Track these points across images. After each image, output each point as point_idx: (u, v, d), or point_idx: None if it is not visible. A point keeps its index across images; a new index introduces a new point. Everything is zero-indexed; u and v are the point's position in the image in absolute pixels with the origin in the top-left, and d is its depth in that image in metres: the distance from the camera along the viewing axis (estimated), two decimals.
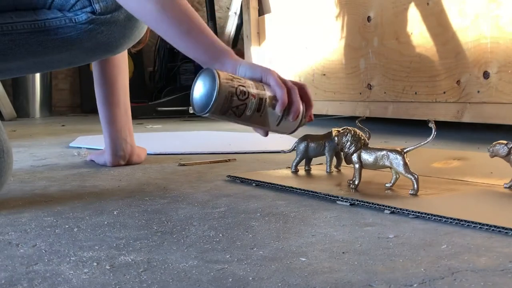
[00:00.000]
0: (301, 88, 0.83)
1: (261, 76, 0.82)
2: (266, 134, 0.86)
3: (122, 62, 1.16)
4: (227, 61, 0.83)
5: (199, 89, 0.78)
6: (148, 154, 1.38)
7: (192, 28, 0.83)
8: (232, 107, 0.77)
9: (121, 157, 1.18)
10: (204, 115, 0.78)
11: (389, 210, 0.72)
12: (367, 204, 0.75)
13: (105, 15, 0.90)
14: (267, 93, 0.80)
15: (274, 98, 0.80)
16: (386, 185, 0.84)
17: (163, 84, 3.61)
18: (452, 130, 1.89)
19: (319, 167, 1.04)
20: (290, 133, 0.86)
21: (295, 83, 0.83)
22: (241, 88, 0.78)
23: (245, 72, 0.82)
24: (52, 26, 0.90)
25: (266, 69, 0.83)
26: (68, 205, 0.81)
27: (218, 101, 0.76)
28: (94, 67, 1.16)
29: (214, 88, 0.75)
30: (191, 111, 3.28)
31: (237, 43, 3.74)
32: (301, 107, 0.82)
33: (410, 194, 0.79)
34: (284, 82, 0.82)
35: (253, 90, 0.79)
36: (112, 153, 1.17)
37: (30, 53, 0.91)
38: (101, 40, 0.93)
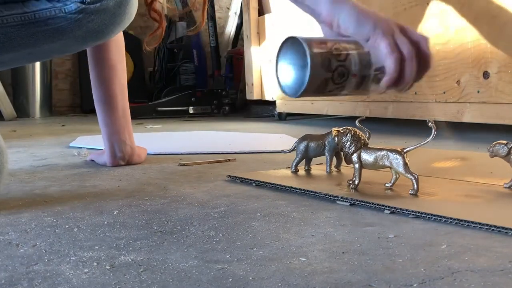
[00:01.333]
0: (419, 48, 0.68)
1: (369, 36, 0.67)
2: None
3: (118, 63, 1.16)
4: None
5: (286, 71, 0.66)
6: (148, 154, 1.38)
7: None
8: (326, 91, 0.66)
9: (121, 158, 1.18)
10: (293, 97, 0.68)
11: (389, 210, 0.72)
12: (367, 204, 0.75)
13: (94, 4, 0.89)
14: (372, 66, 0.66)
15: (381, 70, 0.66)
16: (386, 185, 0.84)
17: (163, 84, 3.61)
18: (452, 130, 1.89)
19: (319, 167, 1.04)
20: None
21: (414, 42, 0.67)
22: (340, 68, 0.64)
23: (347, 26, 0.67)
24: (42, 17, 0.88)
25: (377, 25, 0.67)
26: (68, 205, 0.81)
27: (309, 89, 0.64)
28: (91, 70, 1.16)
29: (306, 75, 0.63)
30: (191, 111, 3.28)
31: (237, 43, 3.75)
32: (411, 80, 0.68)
33: (410, 194, 0.79)
34: (399, 47, 0.66)
35: (354, 67, 0.65)
36: (111, 155, 1.17)
37: (22, 45, 0.90)
38: (92, 28, 0.91)
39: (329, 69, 0.64)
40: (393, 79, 0.67)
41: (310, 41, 0.65)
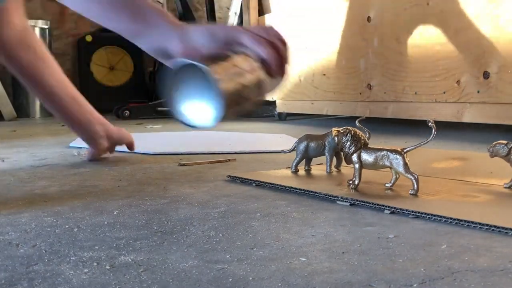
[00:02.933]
0: (270, 30, 0.67)
1: (228, 40, 0.63)
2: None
3: (43, 61, 1.10)
4: (166, 26, 0.63)
5: (190, 100, 0.59)
6: (148, 154, 1.38)
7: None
8: (238, 109, 0.61)
9: (101, 138, 1.14)
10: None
11: (389, 210, 0.72)
12: (367, 204, 0.75)
13: None
14: (251, 59, 0.62)
15: (261, 63, 0.63)
16: (386, 185, 0.84)
17: None
18: (452, 130, 1.89)
19: (319, 167, 1.04)
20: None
21: (261, 27, 0.66)
22: (241, 85, 0.59)
23: (203, 41, 0.63)
24: None
25: (228, 27, 0.65)
26: (68, 205, 0.81)
27: (224, 113, 0.58)
28: (20, 78, 1.10)
29: (219, 101, 0.57)
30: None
31: None
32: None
33: (410, 194, 0.79)
34: (259, 36, 0.64)
35: (246, 70, 0.60)
36: (91, 142, 1.15)
37: None
38: None
39: (235, 84, 0.59)
40: (276, 63, 0.64)
41: (210, 69, 0.57)
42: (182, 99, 0.59)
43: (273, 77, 0.65)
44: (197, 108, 0.59)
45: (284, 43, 0.68)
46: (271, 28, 0.67)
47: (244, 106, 0.62)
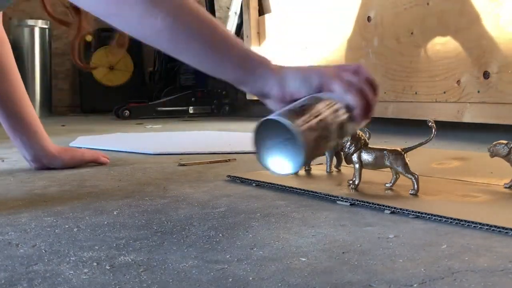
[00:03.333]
0: (362, 74, 0.70)
1: (320, 85, 0.67)
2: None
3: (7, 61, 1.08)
4: (268, 74, 0.68)
5: (274, 154, 0.63)
6: (148, 154, 1.38)
7: (216, 39, 0.68)
8: (318, 153, 0.65)
9: (31, 161, 1.13)
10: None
11: (389, 210, 0.72)
12: (367, 204, 0.75)
13: None
14: (338, 106, 0.65)
15: (348, 108, 0.66)
16: (386, 185, 0.84)
17: (163, 84, 3.61)
18: (452, 130, 1.89)
19: (319, 167, 1.04)
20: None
21: (353, 71, 0.69)
22: (323, 133, 0.63)
23: (298, 87, 0.67)
24: None
25: (321, 73, 0.68)
26: (68, 205, 0.81)
27: (305, 162, 0.61)
28: None
29: (300, 153, 0.60)
30: (191, 111, 3.28)
31: None
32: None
33: (410, 194, 0.79)
34: (350, 82, 0.67)
35: (329, 119, 0.63)
36: (25, 159, 1.14)
37: None
38: None
39: (313, 136, 0.62)
40: (363, 110, 0.67)
41: (292, 118, 0.61)
42: (268, 152, 0.64)
43: (357, 122, 0.68)
44: (281, 160, 0.63)
45: (374, 87, 0.70)
46: (362, 71, 0.70)
47: (324, 150, 0.67)
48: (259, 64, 0.69)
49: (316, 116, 0.63)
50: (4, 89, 1.08)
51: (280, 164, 0.63)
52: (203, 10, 0.69)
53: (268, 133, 0.63)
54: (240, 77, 0.70)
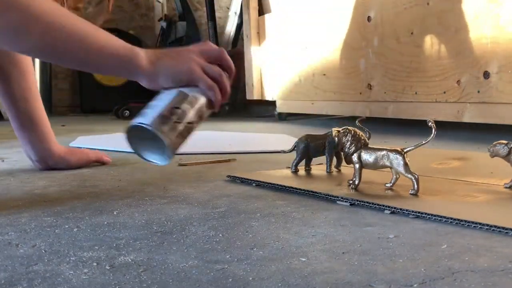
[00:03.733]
0: (224, 61, 0.82)
1: (187, 82, 0.78)
2: None
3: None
4: (139, 73, 0.78)
5: (147, 152, 0.77)
6: None
7: (88, 49, 0.75)
8: (182, 142, 0.78)
9: (37, 161, 1.14)
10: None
11: (389, 210, 0.72)
12: (367, 204, 0.75)
13: None
14: (201, 102, 0.79)
15: (209, 101, 0.80)
16: (386, 185, 0.84)
17: None
18: (452, 130, 1.89)
19: (319, 167, 1.04)
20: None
21: (216, 58, 0.81)
22: (186, 127, 0.76)
23: (167, 83, 0.78)
24: None
25: (190, 70, 0.78)
26: (68, 205, 0.81)
27: (171, 153, 0.76)
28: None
29: (164, 153, 0.75)
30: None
31: (237, 43, 3.75)
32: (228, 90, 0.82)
33: (410, 194, 0.79)
34: (209, 73, 0.79)
35: (191, 117, 0.77)
36: (30, 159, 1.14)
37: None
38: None
39: (177, 137, 0.76)
40: (220, 101, 0.80)
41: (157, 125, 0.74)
42: (141, 149, 0.77)
43: (215, 109, 0.82)
44: (154, 154, 0.77)
45: (231, 72, 0.83)
46: (224, 57, 0.82)
47: (187, 138, 0.78)
48: (131, 62, 0.77)
49: (183, 120, 0.76)
50: (21, 87, 1.09)
51: (154, 156, 0.77)
52: (72, 21, 0.74)
53: (140, 130, 0.74)
54: (116, 74, 0.82)
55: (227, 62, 0.83)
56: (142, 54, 0.78)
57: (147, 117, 0.75)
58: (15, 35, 0.71)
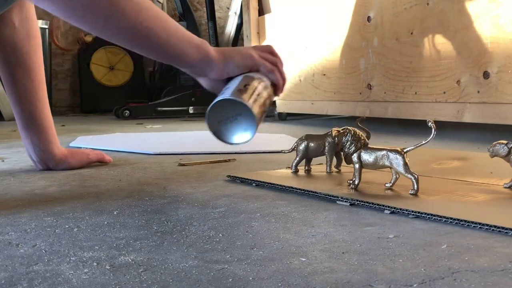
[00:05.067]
0: (276, 54, 0.89)
1: (250, 68, 0.84)
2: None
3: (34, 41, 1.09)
4: (212, 60, 0.82)
5: (233, 128, 0.78)
6: (148, 154, 1.38)
7: (171, 36, 0.79)
8: (262, 113, 0.80)
9: (38, 162, 1.13)
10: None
11: (389, 210, 0.72)
12: (367, 204, 0.75)
13: None
14: (267, 82, 0.84)
15: (271, 84, 0.85)
16: (386, 185, 0.84)
17: (163, 84, 3.61)
18: (452, 130, 1.89)
19: (319, 167, 1.04)
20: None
21: (270, 52, 0.88)
22: (261, 98, 0.80)
23: (235, 69, 0.83)
24: None
25: (251, 57, 0.84)
26: (68, 205, 0.81)
27: (255, 122, 0.77)
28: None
29: (253, 123, 0.76)
30: (191, 111, 3.28)
31: (237, 43, 3.75)
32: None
33: (410, 194, 0.79)
34: (267, 59, 0.86)
35: (262, 91, 0.81)
36: (31, 158, 1.14)
37: None
38: None
39: (260, 108, 0.79)
40: (282, 85, 0.87)
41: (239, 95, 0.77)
42: (225, 129, 0.79)
43: (277, 94, 0.88)
44: (237, 132, 0.78)
45: (282, 64, 0.89)
46: (275, 52, 0.89)
47: (263, 117, 0.81)
48: (205, 52, 0.81)
49: (257, 93, 0.79)
50: (25, 87, 1.08)
51: (238, 136, 0.78)
52: (156, 8, 0.78)
53: (217, 113, 0.77)
54: (192, 66, 0.83)
55: (276, 54, 0.89)
56: (209, 46, 0.83)
57: (225, 94, 0.77)
58: (110, 15, 0.73)
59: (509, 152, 0.81)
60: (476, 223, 0.63)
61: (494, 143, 0.83)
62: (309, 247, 0.58)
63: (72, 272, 0.51)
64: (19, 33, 1.07)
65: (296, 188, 0.86)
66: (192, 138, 1.90)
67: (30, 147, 1.13)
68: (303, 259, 0.54)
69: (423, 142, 0.80)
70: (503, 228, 0.61)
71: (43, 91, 1.11)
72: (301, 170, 1.02)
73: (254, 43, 2.80)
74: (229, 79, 0.83)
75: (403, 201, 0.75)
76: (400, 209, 0.71)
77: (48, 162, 1.13)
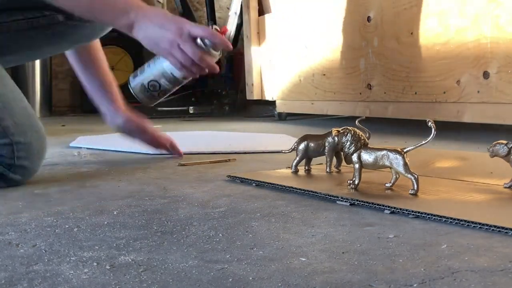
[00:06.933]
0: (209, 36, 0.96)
1: (164, 54, 0.96)
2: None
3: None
4: (131, 13, 0.93)
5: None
6: (148, 154, 1.38)
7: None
8: (152, 96, 1.07)
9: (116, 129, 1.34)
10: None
11: (389, 210, 0.72)
12: (367, 204, 0.75)
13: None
14: (180, 75, 1.03)
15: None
16: (386, 185, 0.84)
17: None
18: (452, 130, 1.89)
19: (319, 167, 1.04)
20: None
21: (200, 36, 0.95)
22: (160, 93, 1.06)
23: (144, 42, 0.95)
24: (44, 23, 1.01)
25: (163, 46, 0.94)
26: (68, 205, 0.81)
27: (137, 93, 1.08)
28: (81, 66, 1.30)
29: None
30: (191, 111, 3.28)
31: (237, 43, 3.74)
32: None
33: (410, 194, 0.79)
34: (186, 60, 0.95)
35: (168, 87, 1.05)
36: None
37: (24, 47, 1.05)
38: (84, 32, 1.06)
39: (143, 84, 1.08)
40: (187, 75, 1.01)
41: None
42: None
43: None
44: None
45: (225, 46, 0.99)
46: (216, 38, 0.97)
47: (163, 97, 1.09)
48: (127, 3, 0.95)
49: (158, 89, 1.05)
50: (97, 62, 1.31)
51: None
52: None
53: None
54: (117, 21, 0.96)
55: (220, 40, 0.96)
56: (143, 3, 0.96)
57: (136, 80, 1.08)
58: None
59: (509, 152, 0.81)
60: (476, 223, 0.63)
61: (494, 143, 0.83)
62: (309, 247, 0.58)
63: (72, 272, 0.51)
64: None
65: (296, 188, 0.86)
66: (192, 138, 1.90)
67: (103, 103, 1.34)
68: (303, 259, 0.54)
69: (423, 142, 0.80)
70: (503, 228, 0.61)
71: (103, 59, 1.36)
72: (301, 170, 1.02)
73: (254, 43, 2.80)
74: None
75: (403, 201, 0.75)
76: (400, 209, 0.71)
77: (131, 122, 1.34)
